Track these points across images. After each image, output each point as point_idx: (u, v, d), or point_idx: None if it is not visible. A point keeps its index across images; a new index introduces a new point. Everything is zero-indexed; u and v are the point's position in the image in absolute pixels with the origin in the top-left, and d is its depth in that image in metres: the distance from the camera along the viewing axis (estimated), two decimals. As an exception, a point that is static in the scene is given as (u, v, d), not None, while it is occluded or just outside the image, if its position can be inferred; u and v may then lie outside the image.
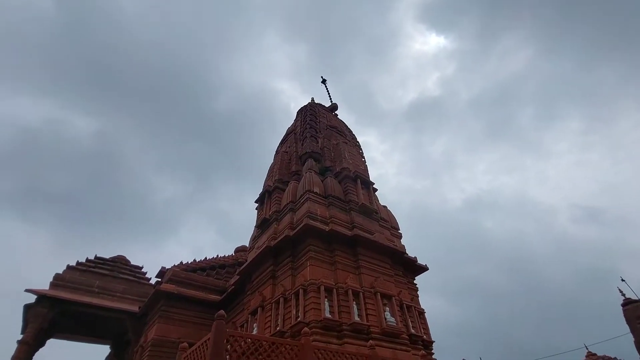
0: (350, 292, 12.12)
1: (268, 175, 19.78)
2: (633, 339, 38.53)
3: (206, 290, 18.68)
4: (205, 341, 4.24)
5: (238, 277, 16.51)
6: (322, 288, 11.73)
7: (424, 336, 13.24)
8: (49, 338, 19.43)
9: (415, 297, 15.18)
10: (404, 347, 11.87)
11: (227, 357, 4.03)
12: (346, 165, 17.33)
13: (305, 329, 5.29)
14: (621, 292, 42.39)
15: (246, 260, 18.82)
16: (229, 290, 17.60)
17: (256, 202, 18.65)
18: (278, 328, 11.83)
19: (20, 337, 16.86)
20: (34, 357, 17.96)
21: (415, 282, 16.05)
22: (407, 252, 15.98)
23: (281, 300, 12.57)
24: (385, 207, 18.28)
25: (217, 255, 23.47)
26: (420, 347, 12.66)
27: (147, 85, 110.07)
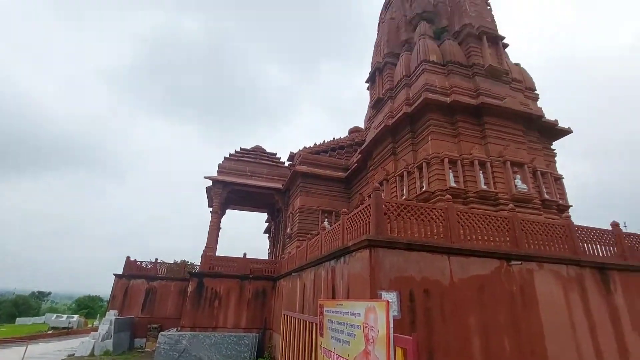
0: (476, 162, 12.02)
1: (375, 51, 18.64)
2: None
3: (331, 169, 21.31)
4: (367, 206, 5.31)
5: (360, 155, 17.96)
6: (446, 160, 11.94)
7: (560, 201, 12.71)
8: (227, 209, 26.43)
9: (551, 163, 14.01)
10: (535, 212, 11.83)
11: (387, 217, 5.04)
12: (467, 21, 14.73)
13: (448, 196, 5.88)
14: None
15: (362, 141, 19.99)
16: (352, 168, 19.60)
17: (367, 81, 18.36)
18: (404, 197, 13.12)
19: (209, 209, 23.52)
20: (221, 221, 25.12)
21: (552, 147, 14.53)
22: (544, 114, 14.09)
23: (404, 173, 13.48)
24: (517, 64, 15.60)
25: (334, 138, 25.46)
26: (554, 211, 12.39)
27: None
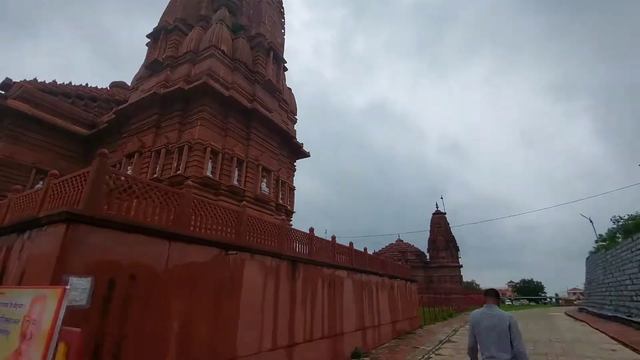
0: (235, 159, 12.88)
1: (169, 9, 16.49)
2: (428, 237, 54.28)
3: (70, 120, 16.52)
4: (83, 173, 4.28)
5: (114, 115, 14.98)
6: (209, 150, 12.06)
7: (288, 207, 15.77)
8: None
9: (291, 176, 17.23)
10: (269, 212, 14.05)
11: (107, 191, 4.26)
12: (263, 32, 15.90)
13: (188, 182, 5.79)
14: (437, 205, 57.32)
15: (125, 100, 16.89)
16: (101, 127, 16.06)
17: (149, 36, 15.81)
18: (155, 176, 12.05)
19: None
20: None
21: (295, 164, 17.93)
22: (296, 137, 17.23)
23: (163, 151, 12.45)
24: (290, 89, 18.33)
25: (87, 84, 20.10)
26: (283, 214, 15.18)
27: None
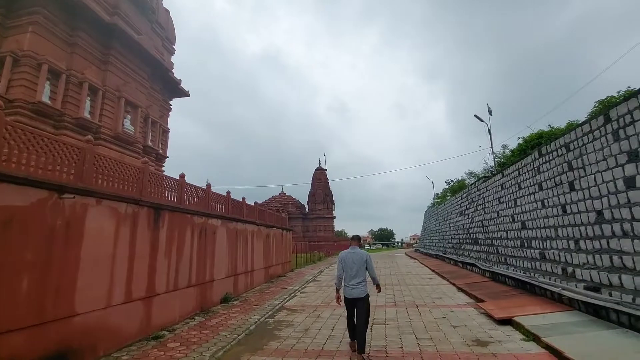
0: (86, 85, 10.39)
1: None
2: (309, 190, 57.96)
3: None
4: None
5: None
6: (45, 67, 9.32)
7: (160, 150, 14.05)
8: None
9: (165, 116, 15.19)
10: (135, 155, 12.22)
11: None
12: None
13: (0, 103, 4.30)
14: (319, 162, 61.13)
15: None
16: None
17: None
18: (-46, 92, 8.76)
19: None
20: None
21: (171, 103, 15.82)
22: (173, 71, 15.02)
23: (-33, 58, 9.01)
24: (167, 11, 15.48)
25: None
26: (153, 158, 13.47)
27: None
